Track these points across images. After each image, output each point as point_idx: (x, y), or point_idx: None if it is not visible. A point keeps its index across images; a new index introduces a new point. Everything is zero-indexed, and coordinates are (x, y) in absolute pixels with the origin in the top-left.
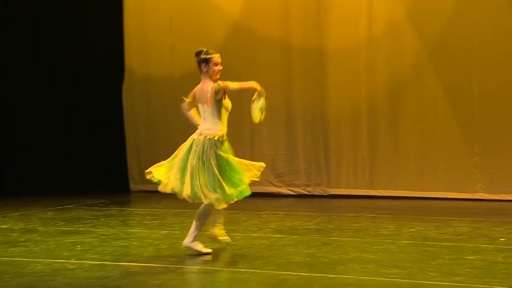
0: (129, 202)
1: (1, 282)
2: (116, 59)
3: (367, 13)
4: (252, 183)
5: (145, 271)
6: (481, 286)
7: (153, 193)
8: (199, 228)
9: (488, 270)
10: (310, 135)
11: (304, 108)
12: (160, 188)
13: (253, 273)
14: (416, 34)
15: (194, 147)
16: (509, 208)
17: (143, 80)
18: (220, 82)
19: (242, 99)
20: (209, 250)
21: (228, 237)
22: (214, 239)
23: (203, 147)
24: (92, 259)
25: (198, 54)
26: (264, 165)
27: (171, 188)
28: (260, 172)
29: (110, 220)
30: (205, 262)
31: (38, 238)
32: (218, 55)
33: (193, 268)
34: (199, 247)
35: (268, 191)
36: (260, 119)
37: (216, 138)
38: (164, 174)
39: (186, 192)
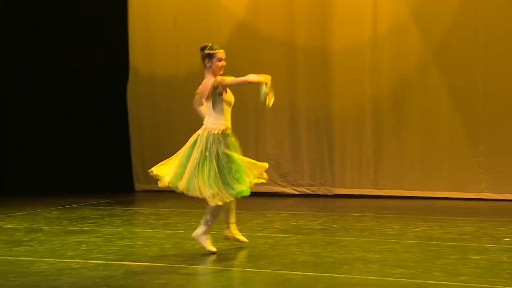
0: (134, 201)
1: (6, 282)
2: (121, 58)
3: (371, 13)
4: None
5: (149, 271)
6: (486, 286)
7: (157, 193)
8: (207, 223)
9: (492, 270)
10: (314, 135)
11: (308, 108)
12: (160, 184)
13: (257, 272)
14: (421, 34)
15: (198, 143)
16: None
17: (147, 79)
18: (218, 77)
19: (246, 98)
20: (214, 249)
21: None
22: (231, 239)
23: (206, 142)
24: (96, 259)
25: (202, 49)
26: (267, 165)
27: (168, 183)
28: (261, 173)
29: (115, 219)
30: (210, 262)
31: (42, 238)
32: (222, 51)
33: (197, 267)
34: (206, 243)
35: (272, 191)
36: (268, 104)
37: (219, 132)
38: (165, 170)
39: (182, 185)
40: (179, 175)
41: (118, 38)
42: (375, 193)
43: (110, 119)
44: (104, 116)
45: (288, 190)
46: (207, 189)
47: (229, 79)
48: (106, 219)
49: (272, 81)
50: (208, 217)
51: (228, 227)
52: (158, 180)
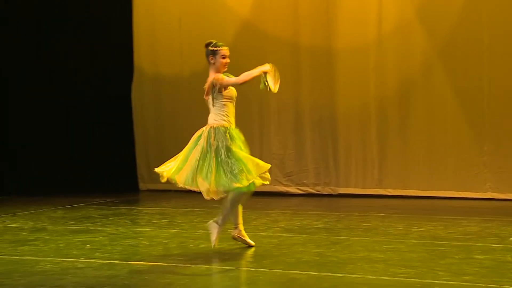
0: (138, 201)
1: (10, 281)
2: (125, 58)
3: (376, 13)
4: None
5: (154, 270)
6: (490, 285)
7: (162, 192)
8: (223, 213)
9: (497, 269)
10: (319, 135)
11: (313, 107)
12: (161, 179)
13: (262, 272)
14: (426, 33)
15: (201, 138)
16: None
17: (152, 79)
18: (217, 76)
19: (250, 98)
20: (214, 244)
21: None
22: (238, 240)
23: (208, 137)
24: (101, 258)
25: (207, 45)
26: (269, 166)
27: (168, 177)
28: (263, 172)
29: (119, 219)
30: (215, 262)
31: (47, 237)
32: (227, 48)
33: (202, 267)
34: (214, 232)
35: (277, 190)
36: (273, 90)
37: (220, 127)
38: (167, 166)
39: (180, 178)
40: (179, 169)
41: (122, 38)
42: (380, 192)
43: (115, 119)
44: (109, 116)
45: (293, 189)
46: (204, 183)
47: (227, 80)
48: (111, 218)
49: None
50: (227, 206)
51: (237, 228)
52: (161, 177)
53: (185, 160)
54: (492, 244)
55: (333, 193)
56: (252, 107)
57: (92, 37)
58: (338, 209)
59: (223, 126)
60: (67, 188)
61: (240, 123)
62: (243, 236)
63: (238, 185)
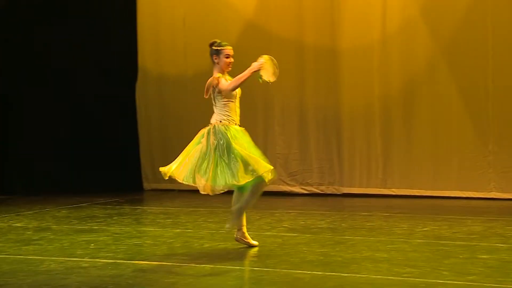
0: (142, 200)
1: (15, 280)
2: (130, 58)
3: (380, 12)
4: None
5: (158, 270)
6: (495, 285)
7: (166, 192)
8: (245, 202)
9: (501, 269)
10: (323, 134)
11: (317, 107)
12: (164, 177)
13: (266, 271)
14: (430, 33)
15: (203, 137)
16: None
17: (156, 79)
18: (216, 78)
19: (255, 98)
20: (229, 227)
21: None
22: (241, 242)
23: (208, 134)
24: (105, 258)
25: (211, 45)
26: (271, 167)
27: (170, 174)
28: (264, 172)
29: (124, 218)
30: (218, 261)
31: (52, 237)
32: (230, 47)
33: (206, 267)
34: (236, 221)
35: (281, 190)
36: (269, 81)
37: (220, 126)
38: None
39: (180, 174)
40: (179, 166)
41: (127, 38)
42: (384, 192)
43: (119, 118)
44: (113, 115)
45: (297, 189)
46: (201, 179)
47: (221, 85)
48: (115, 218)
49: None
50: (247, 196)
51: (240, 230)
52: (163, 174)
53: (186, 157)
54: (497, 244)
55: (337, 193)
56: (256, 107)
57: (96, 37)
58: (342, 209)
59: (224, 125)
60: (71, 188)
61: (245, 122)
62: (246, 238)
63: (233, 181)
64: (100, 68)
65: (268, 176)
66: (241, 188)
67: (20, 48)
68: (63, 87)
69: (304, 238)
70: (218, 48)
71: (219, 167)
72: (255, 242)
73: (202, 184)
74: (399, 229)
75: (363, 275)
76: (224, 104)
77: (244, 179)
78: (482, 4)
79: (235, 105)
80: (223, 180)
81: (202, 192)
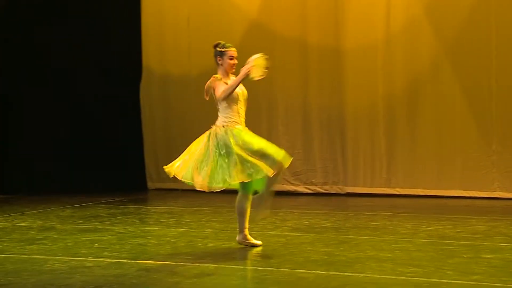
0: (146, 200)
1: (19, 280)
2: (130, 57)
3: (384, 12)
4: None
5: (162, 269)
6: (499, 285)
7: (170, 191)
8: (266, 191)
9: (505, 268)
10: (327, 134)
11: (321, 106)
12: (169, 175)
13: (270, 271)
14: (434, 32)
15: (205, 138)
16: None
17: (160, 79)
18: (214, 80)
19: (258, 97)
20: (262, 217)
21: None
22: (244, 243)
23: (209, 135)
24: (109, 257)
25: (215, 46)
26: (271, 172)
27: (172, 172)
28: (264, 175)
29: (128, 218)
30: (222, 261)
31: (56, 236)
32: (234, 49)
33: (210, 266)
34: (263, 212)
35: (285, 189)
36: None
37: (222, 128)
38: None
39: (180, 172)
40: (180, 163)
41: (127, 38)
42: (388, 191)
43: (121, 118)
44: (117, 115)
45: (301, 188)
46: (198, 176)
47: (217, 91)
48: (119, 217)
49: (285, 80)
50: (268, 186)
51: (242, 232)
52: (168, 172)
53: (187, 155)
54: (501, 243)
55: (341, 192)
56: (260, 107)
57: (96, 37)
58: (346, 208)
59: (225, 127)
60: (72, 188)
61: (248, 122)
62: (249, 240)
63: (227, 182)
64: (100, 68)
65: (270, 171)
66: (245, 189)
67: (20, 48)
68: (63, 87)
69: (308, 238)
70: (222, 49)
71: (217, 167)
72: (258, 242)
73: (199, 181)
74: (403, 229)
75: (367, 275)
76: (226, 106)
77: (240, 179)
78: (486, 4)
79: (238, 107)
80: (220, 180)
81: (198, 189)
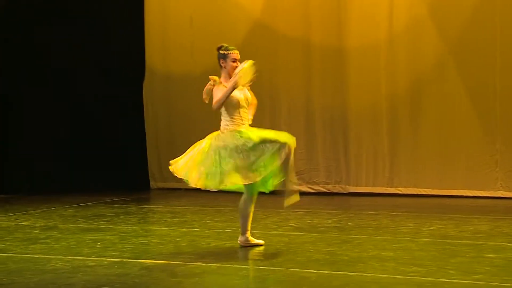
0: (149, 199)
1: (22, 279)
2: (137, 57)
3: (387, 11)
4: None
5: (164, 269)
6: (501, 284)
7: (172, 191)
8: (286, 179)
9: (508, 268)
10: (330, 133)
11: (324, 106)
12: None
13: (272, 270)
14: (437, 31)
15: (209, 140)
16: None
17: (163, 78)
18: (211, 85)
19: (261, 97)
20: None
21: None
22: (246, 245)
23: (212, 137)
24: (112, 256)
25: (218, 49)
26: (257, 178)
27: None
28: (253, 181)
29: (130, 217)
30: (224, 260)
31: (58, 235)
32: (237, 52)
33: (212, 265)
34: (293, 198)
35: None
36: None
37: (223, 132)
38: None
39: (180, 172)
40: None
41: (132, 38)
42: (390, 191)
43: (123, 118)
44: (120, 114)
45: (304, 188)
46: (195, 176)
47: (212, 104)
48: (122, 217)
49: (288, 79)
50: (285, 172)
51: (243, 235)
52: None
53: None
54: (503, 242)
55: (344, 192)
56: (263, 106)
57: (96, 36)
58: (349, 208)
59: (224, 131)
60: (78, 187)
61: (252, 122)
62: (250, 242)
63: (218, 184)
64: (100, 68)
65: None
66: (249, 191)
67: (20, 48)
68: (63, 87)
69: (311, 237)
70: (225, 52)
71: (213, 168)
72: (260, 241)
73: (195, 179)
74: (405, 228)
75: (370, 274)
76: (227, 112)
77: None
78: (490, 3)
79: (240, 112)
80: (217, 182)
81: (192, 186)
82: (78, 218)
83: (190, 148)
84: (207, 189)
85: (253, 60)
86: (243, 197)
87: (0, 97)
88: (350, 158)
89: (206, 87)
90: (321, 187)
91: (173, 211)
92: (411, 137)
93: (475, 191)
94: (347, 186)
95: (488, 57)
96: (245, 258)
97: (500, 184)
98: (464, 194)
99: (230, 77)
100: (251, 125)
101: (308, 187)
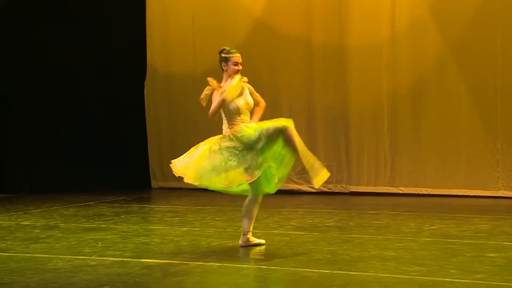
0: (150, 199)
1: (23, 278)
2: (139, 56)
3: (389, 10)
4: None
5: (165, 268)
6: (502, 283)
7: (174, 190)
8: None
9: (509, 267)
10: (331, 132)
11: (325, 105)
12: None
13: (273, 270)
14: (439, 31)
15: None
16: None
17: (165, 77)
18: (212, 90)
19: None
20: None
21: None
22: (247, 245)
23: (214, 139)
24: (113, 256)
25: (220, 52)
26: (244, 181)
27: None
28: (239, 183)
29: (131, 217)
30: (226, 259)
31: (59, 235)
32: (239, 55)
33: (213, 265)
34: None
35: (289, 188)
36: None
37: (223, 135)
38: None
39: (178, 170)
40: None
41: (132, 37)
42: (392, 190)
43: (123, 118)
44: (121, 114)
45: (305, 187)
46: (190, 172)
47: (209, 111)
48: (123, 216)
49: (290, 79)
50: (296, 152)
51: (245, 235)
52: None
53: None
54: (504, 242)
55: (345, 191)
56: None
57: (97, 36)
58: (350, 207)
59: (224, 136)
60: (79, 186)
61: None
62: (252, 241)
63: (217, 187)
64: (100, 68)
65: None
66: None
67: (20, 48)
68: (63, 87)
69: (312, 237)
70: (227, 55)
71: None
72: (261, 241)
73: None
74: (406, 228)
75: (371, 274)
76: (227, 113)
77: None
78: (491, 3)
79: (241, 116)
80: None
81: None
82: (79, 217)
83: (191, 149)
84: (209, 188)
85: (254, 58)
86: (249, 198)
87: (0, 97)
88: (352, 158)
89: (204, 92)
90: (322, 186)
91: (174, 210)
92: (413, 136)
93: (476, 190)
94: (348, 186)
95: (490, 56)
96: (247, 258)
97: (502, 183)
98: (465, 194)
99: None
100: None
101: (309, 187)
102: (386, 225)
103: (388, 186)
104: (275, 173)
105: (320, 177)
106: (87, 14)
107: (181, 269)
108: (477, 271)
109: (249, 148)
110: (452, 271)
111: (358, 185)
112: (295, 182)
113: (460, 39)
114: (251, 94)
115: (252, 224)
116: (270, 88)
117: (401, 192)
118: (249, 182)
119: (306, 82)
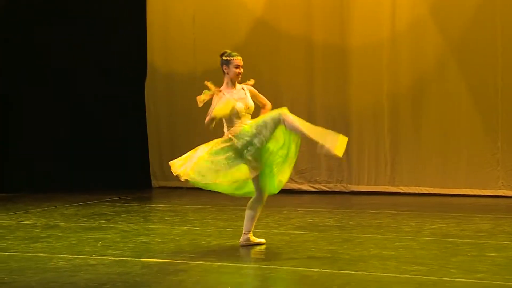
0: (151, 198)
1: (23, 278)
2: (139, 55)
3: (390, 10)
4: None
5: (166, 267)
6: (502, 283)
7: (174, 190)
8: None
9: (509, 267)
10: None
11: (326, 104)
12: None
13: (273, 269)
14: (439, 31)
15: (212, 143)
16: None
17: (165, 76)
18: (208, 94)
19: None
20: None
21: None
22: (248, 244)
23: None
24: (113, 255)
25: (221, 55)
26: (236, 179)
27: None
28: (234, 180)
29: (132, 216)
30: (226, 259)
31: (60, 234)
32: (240, 58)
33: (214, 264)
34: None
35: (289, 188)
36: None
37: (222, 138)
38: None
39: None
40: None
41: (132, 37)
42: (392, 190)
43: (127, 116)
44: (121, 113)
45: (305, 187)
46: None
47: (212, 107)
48: (123, 215)
49: (290, 78)
50: (299, 132)
51: (245, 234)
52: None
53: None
54: (505, 241)
55: (346, 191)
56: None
57: (106, 34)
58: (350, 207)
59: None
60: (79, 185)
61: None
62: (252, 240)
63: (214, 186)
64: (100, 68)
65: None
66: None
67: (20, 48)
68: (63, 87)
69: (312, 236)
70: (228, 58)
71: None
72: (262, 240)
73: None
74: (407, 227)
75: (371, 273)
76: (227, 119)
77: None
78: (491, 3)
79: (241, 118)
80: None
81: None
82: (79, 216)
83: (190, 151)
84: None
85: (254, 58)
86: (253, 198)
87: (0, 97)
88: (352, 157)
89: (202, 97)
90: (323, 185)
91: (174, 209)
92: (413, 136)
93: (476, 189)
94: (348, 185)
95: (490, 56)
96: (247, 257)
97: (502, 182)
98: (465, 193)
99: (233, 84)
100: None
101: (310, 186)
102: (386, 224)
103: (389, 186)
104: (276, 170)
105: (339, 145)
106: (87, 14)
107: (181, 268)
108: (478, 270)
109: (249, 144)
110: (452, 270)
111: (358, 185)
112: (296, 182)
113: (460, 38)
114: (255, 97)
115: (254, 225)
116: (271, 88)
117: (401, 191)
118: (253, 177)
119: (307, 81)
